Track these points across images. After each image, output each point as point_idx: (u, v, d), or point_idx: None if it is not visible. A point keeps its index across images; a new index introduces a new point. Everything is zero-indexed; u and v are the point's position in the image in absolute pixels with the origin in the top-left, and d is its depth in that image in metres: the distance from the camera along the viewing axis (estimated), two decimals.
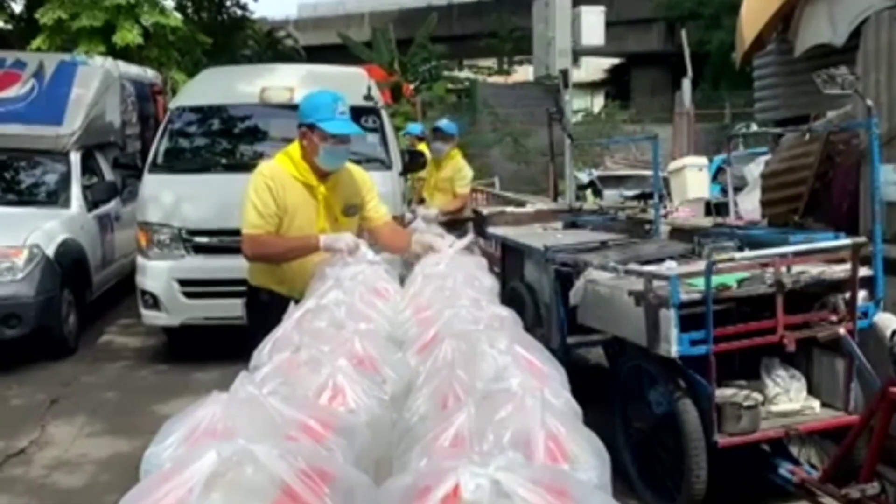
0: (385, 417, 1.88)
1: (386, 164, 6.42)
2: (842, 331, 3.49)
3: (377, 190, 3.68)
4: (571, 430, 1.56)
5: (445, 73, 22.09)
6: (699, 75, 20.09)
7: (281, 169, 3.33)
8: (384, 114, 6.86)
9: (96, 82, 8.13)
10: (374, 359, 2.09)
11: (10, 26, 13.60)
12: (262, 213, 3.25)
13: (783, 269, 3.57)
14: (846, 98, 4.73)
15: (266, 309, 3.23)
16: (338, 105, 3.32)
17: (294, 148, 3.37)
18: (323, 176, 3.36)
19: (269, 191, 3.25)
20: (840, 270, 3.62)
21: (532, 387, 1.64)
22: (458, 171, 6.90)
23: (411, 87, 19.39)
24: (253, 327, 3.30)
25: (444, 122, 7.44)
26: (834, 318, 3.55)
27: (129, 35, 11.82)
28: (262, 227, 3.27)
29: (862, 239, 3.72)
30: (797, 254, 3.68)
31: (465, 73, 26.75)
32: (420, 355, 2.21)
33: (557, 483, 1.29)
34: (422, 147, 7.96)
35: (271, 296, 3.35)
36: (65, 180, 7.39)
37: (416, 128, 10.38)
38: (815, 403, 3.63)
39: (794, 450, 3.69)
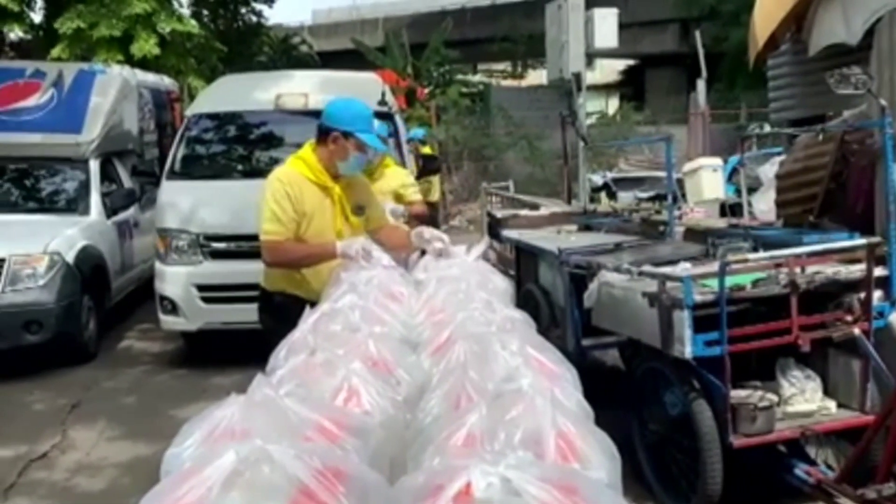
0: (399, 418, 1.91)
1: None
2: (857, 331, 3.47)
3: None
4: (582, 429, 1.59)
5: (459, 76, 22.12)
6: (714, 76, 20.00)
7: (296, 173, 3.39)
8: (398, 119, 6.90)
9: (114, 91, 8.24)
10: (389, 361, 2.12)
11: (29, 36, 13.78)
12: (281, 220, 3.31)
13: (798, 269, 3.56)
14: (861, 97, 4.71)
15: (281, 312, 3.30)
16: (373, 120, 3.56)
17: (307, 151, 3.45)
18: (335, 177, 3.44)
19: (288, 197, 3.31)
20: (855, 270, 3.62)
21: (543, 387, 1.66)
22: (401, 179, 5.34)
23: (425, 91, 19.45)
24: (268, 331, 3.36)
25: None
26: (849, 318, 3.54)
27: (146, 45, 11.95)
28: (283, 234, 3.34)
29: (877, 239, 3.71)
30: (812, 254, 3.68)
31: (478, 77, 26.77)
32: (433, 357, 2.24)
33: (567, 481, 1.32)
34: (426, 151, 7.99)
35: (286, 299, 3.41)
36: (84, 188, 7.49)
37: (418, 132, 10.26)
38: (831, 404, 3.62)
39: (810, 450, 3.68)
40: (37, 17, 13.85)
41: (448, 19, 23.15)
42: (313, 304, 3.09)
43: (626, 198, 12.17)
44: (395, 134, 6.67)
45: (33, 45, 13.73)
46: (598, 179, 14.36)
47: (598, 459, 1.53)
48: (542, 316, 4.93)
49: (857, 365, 3.56)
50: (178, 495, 1.32)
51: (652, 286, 3.60)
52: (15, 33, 13.40)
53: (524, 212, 6.98)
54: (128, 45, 12.04)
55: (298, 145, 5.27)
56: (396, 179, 5.20)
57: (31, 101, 7.78)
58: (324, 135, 3.39)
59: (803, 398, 3.61)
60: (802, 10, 5.79)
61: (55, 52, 12.12)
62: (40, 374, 6.17)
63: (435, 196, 8.65)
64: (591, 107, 19.52)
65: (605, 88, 34.76)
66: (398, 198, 5.06)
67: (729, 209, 7.42)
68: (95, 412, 5.43)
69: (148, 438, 4.72)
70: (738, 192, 7.72)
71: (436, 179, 8.32)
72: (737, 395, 3.49)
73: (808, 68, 6.23)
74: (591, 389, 2.15)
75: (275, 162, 6.58)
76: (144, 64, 11.60)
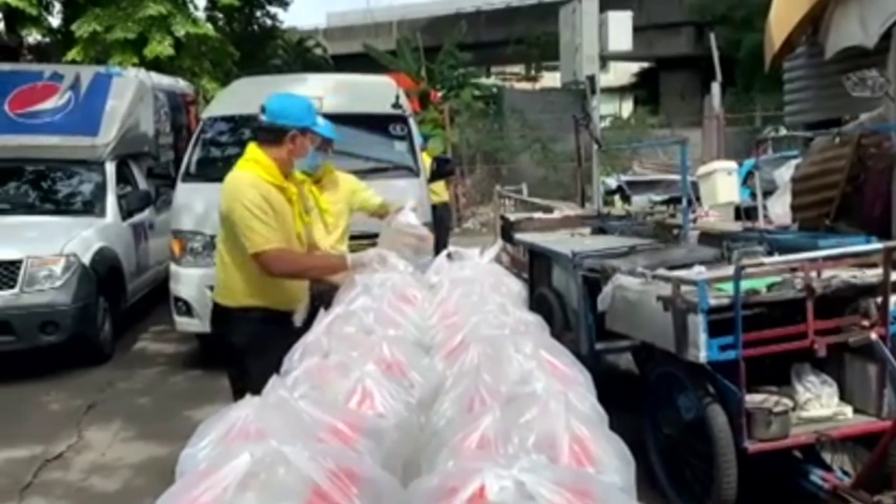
0: (412, 421, 1.92)
1: (414, 172, 6.48)
2: (874, 336, 3.44)
3: None
4: (596, 433, 1.58)
5: (473, 79, 22.14)
6: (729, 79, 19.91)
7: (256, 176, 3.19)
8: (412, 122, 6.91)
9: (130, 93, 8.29)
10: (402, 364, 2.13)
11: (47, 39, 13.93)
12: (272, 226, 3.13)
13: (813, 273, 3.54)
14: (878, 100, 4.68)
15: (257, 327, 3.21)
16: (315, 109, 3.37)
17: (257, 154, 3.24)
18: (286, 178, 3.29)
19: (266, 201, 3.14)
20: (872, 275, 3.59)
21: (557, 390, 1.66)
22: (351, 185, 4.60)
23: (439, 94, 19.47)
24: (244, 351, 3.21)
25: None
26: (866, 322, 3.51)
27: (158, 47, 12.05)
28: (279, 240, 3.16)
29: (894, 242, 3.68)
30: (828, 258, 3.65)
31: (492, 80, 26.78)
32: (447, 360, 2.24)
33: (580, 485, 1.31)
34: (425, 156, 7.96)
35: (265, 314, 3.25)
36: (100, 190, 7.54)
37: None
38: (848, 409, 3.59)
39: (826, 456, 3.65)
40: (55, 20, 14.01)
41: (462, 22, 23.14)
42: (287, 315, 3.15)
43: (639, 201, 12.12)
44: (408, 137, 6.69)
45: (51, 49, 13.87)
46: (611, 182, 14.32)
47: (612, 463, 1.53)
48: (556, 319, 4.92)
49: (874, 370, 3.53)
50: (193, 496, 1.32)
51: (666, 290, 3.58)
52: (33, 37, 13.54)
53: (537, 215, 6.97)
54: (142, 48, 12.17)
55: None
56: (347, 185, 4.57)
57: (49, 104, 7.84)
58: (279, 134, 3.21)
59: (819, 403, 3.58)
60: (819, 13, 5.76)
61: (71, 54, 12.25)
62: (56, 375, 6.21)
63: (444, 197, 8.69)
64: (605, 109, 19.50)
65: (618, 91, 34.67)
66: (353, 204, 4.52)
67: (744, 213, 7.39)
68: (111, 413, 5.47)
69: (162, 439, 4.75)
70: (753, 195, 7.68)
71: (441, 184, 8.34)
72: (752, 399, 3.46)
73: (825, 71, 6.20)
74: (604, 393, 2.15)
75: None
76: (159, 66, 11.70)
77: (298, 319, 3.27)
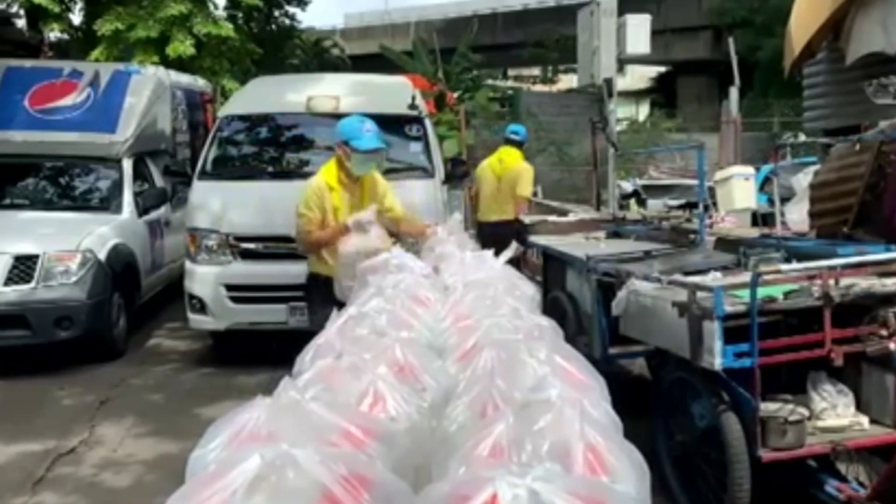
0: (424, 425, 1.90)
1: (428, 173, 6.48)
2: (892, 345, 3.39)
3: None
4: (611, 441, 1.56)
5: (489, 81, 22.09)
6: (747, 83, 19.79)
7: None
8: (428, 123, 6.90)
9: (148, 91, 8.32)
10: (415, 367, 2.11)
11: (67, 36, 14.01)
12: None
13: (831, 281, 3.50)
14: None
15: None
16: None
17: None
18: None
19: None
20: (891, 283, 3.54)
21: (571, 397, 1.64)
22: (383, 188, 4.81)
23: (454, 95, 19.43)
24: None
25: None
26: (884, 332, 3.46)
27: (181, 46, 12.10)
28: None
29: None
30: (846, 266, 3.61)
31: (509, 82, 26.73)
32: (460, 364, 2.22)
33: (595, 495, 1.30)
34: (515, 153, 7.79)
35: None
36: (117, 186, 7.58)
37: (520, 129, 8.48)
38: (864, 419, 3.55)
39: (841, 467, 3.60)
40: (76, 18, 14.09)
41: (473, 23, 23.06)
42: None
43: (655, 205, 12.06)
44: (424, 137, 6.68)
45: (72, 46, 13.96)
46: (627, 186, 14.27)
47: (627, 473, 1.51)
48: (569, 323, 4.90)
49: (892, 380, 3.48)
50: (201, 499, 1.31)
51: (682, 295, 3.55)
52: (55, 34, 13.62)
53: (552, 218, 6.94)
54: (164, 47, 12.22)
55: (329, 148, 5.47)
56: (380, 186, 4.73)
57: (68, 101, 7.88)
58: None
59: (835, 413, 3.53)
60: (840, 18, 5.70)
61: (95, 54, 12.32)
62: (70, 370, 6.24)
63: (509, 215, 8.12)
64: (622, 113, 19.40)
65: (635, 95, 34.57)
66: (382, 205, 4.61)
67: (761, 219, 7.34)
68: (123, 409, 5.48)
69: (174, 436, 4.76)
70: (770, 201, 7.62)
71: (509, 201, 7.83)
72: (766, 408, 3.42)
73: (845, 77, 6.13)
74: (616, 397, 2.12)
75: (305, 164, 6.62)
76: (181, 65, 11.75)
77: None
